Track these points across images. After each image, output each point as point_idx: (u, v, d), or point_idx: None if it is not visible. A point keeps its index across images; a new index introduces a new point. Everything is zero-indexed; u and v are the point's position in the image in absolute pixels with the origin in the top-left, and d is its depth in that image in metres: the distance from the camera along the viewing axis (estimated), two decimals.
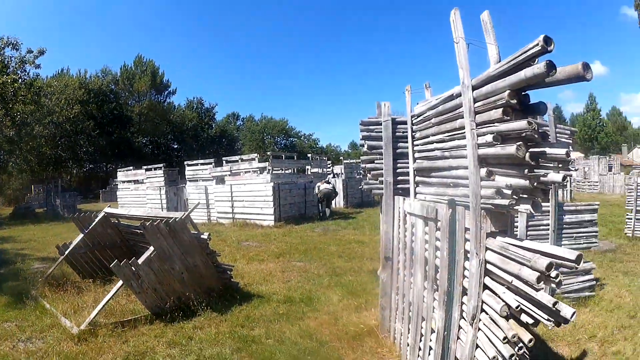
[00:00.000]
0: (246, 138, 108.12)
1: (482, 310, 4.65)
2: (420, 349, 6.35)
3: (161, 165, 36.00)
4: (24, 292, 10.97)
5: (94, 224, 12.33)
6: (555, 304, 3.70)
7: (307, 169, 36.68)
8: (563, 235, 10.79)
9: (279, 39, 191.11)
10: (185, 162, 34.05)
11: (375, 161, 8.01)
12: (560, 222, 10.72)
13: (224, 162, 30.81)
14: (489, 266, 4.57)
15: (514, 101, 4.03)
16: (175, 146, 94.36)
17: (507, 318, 4.24)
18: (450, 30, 4.99)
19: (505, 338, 4.10)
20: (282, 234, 22.70)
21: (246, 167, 29.16)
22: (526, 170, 4.04)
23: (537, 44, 3.55)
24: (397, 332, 7.60)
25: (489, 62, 4.44)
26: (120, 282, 8.93)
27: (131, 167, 40.41)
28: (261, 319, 9.22)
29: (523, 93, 4.10)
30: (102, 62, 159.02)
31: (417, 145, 7.08)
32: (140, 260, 9.07)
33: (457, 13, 4.91)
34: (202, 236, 10.11)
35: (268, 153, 31.19)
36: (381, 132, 7.81)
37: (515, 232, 6.73)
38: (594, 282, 10.45)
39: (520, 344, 4.05)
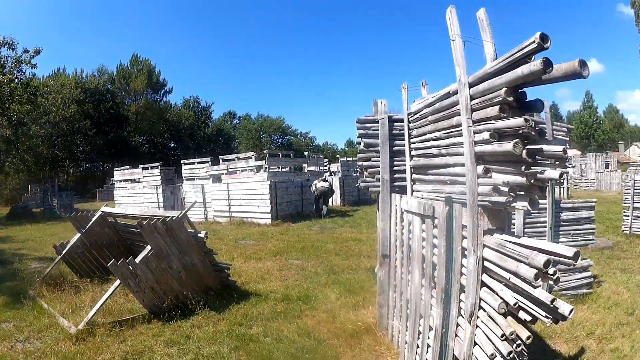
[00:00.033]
0: (243, 136, 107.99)
1: (480, 307, 4.65)
2: (418, 347, 6.35)
3: (158, 164, 35.94)
4: (22, 292, 10.97)
5: (91, 223, 12.31)
6: (553, 301, 3.70)
7: (304, 167, 36.64)
8: (560, 232, 10.79)
9: (275, 37, 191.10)
10: (182, 161, 33.93)
11: (372, 159, 8.01)
12: (557, 220, 10.72)
13: (220, 160, 30.74)
14: (486, 263, 4.57)
15: (511, 98, 4.03)
16: (172, 145, 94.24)
17: (505, 315, 4.24)
18: (446, 28, 4.99)
19: (503, 335, 4.10)
20: (279, 232, 22.70)
21: (243, 165, 29.09)
22: (523, 168, 4.04)
23: (534, 41, 3.55)
24: (394, 330, 7.61)
25: (485, 59, 4.44)
26: (118, 282, 8.92)
27: (128, 166, 40.36)
28: (259, 317, 9.22)
29: (520, 90, 4.10)
30: (99, 62, 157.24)
31: (414, 142, 7.09)
32: (137, 260, 9.06)
33: (453, 10, 4.91)
34: (199, 235, 10.12)
35: (265, 151, 31.19)
36: (378, 130, 7.81)
37: (512, 230, 6.75)
38: (592, 280, 10.46)
39: (519, 341, 4.05)
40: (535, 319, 4.00)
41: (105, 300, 8.91)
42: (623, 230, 19.23)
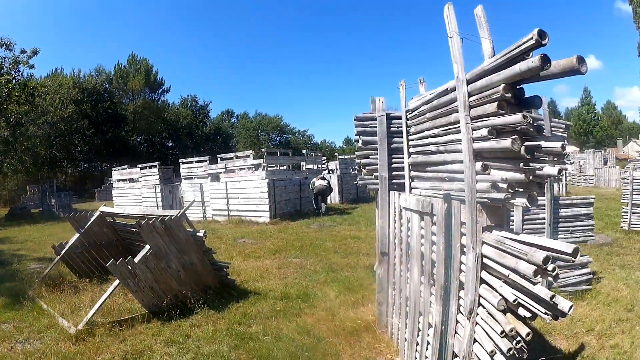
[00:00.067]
0: (241, 135, 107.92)
1: (480, 304, 4.65)
2: (417, 344, 6.35)
3: (156, 163, 35.96)
4: (21, 292, 10.95)
5: (89, 223, 12.30)
6: (552, 297, 3.70)
7: (302, 165, 36.61)
8: (559, 229, 10.80)
9: (273, 36, 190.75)
10: (180, 160, 33.97)
11: (370, 156, 8.00)
12: (556, 216, 10.73)
13: (218, 159, 30.73)
14: (485, 260, 4.57)
15: (509, 95, 4.02)
16: (170, 144, 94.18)
17: (504, 312, 4.24)
18: (444, 25, 4.98)
19: (502, 332, 4.10)
20: (278, 231, 22.72)
21: (241, 164, 29.11)
22: (522, 164, 4.03)
23: (532, 38, 3.54)
24: (394, 327, 7.62)
25: (483, 56, 4.44)
26: (117, 281, 8.92)
27: (126, 166, 40.43)
28: (258, 316, 9.23)
29: (518, 87, 4.09)
30: (96, 61, 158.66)
31: (412, 140, 7.09)
32: (136, 259, 9.06)
33: (450, 7, 4.91)
34: (197, 234, 10.12)
35: (263, 150, 31.24)
36: (376, 127, 7.80)
37: (511, 226, 6.74)
38: (591, 276, 10.47)
39: (518, 338, 4.05)
40: (534, 316, 4.00)
41: (104, 300, 8.91)
42: (622, 227, 19.24)
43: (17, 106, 35.02)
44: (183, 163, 33.42)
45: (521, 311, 4.08)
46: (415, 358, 6.41)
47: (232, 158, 30.26)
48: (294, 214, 28.77)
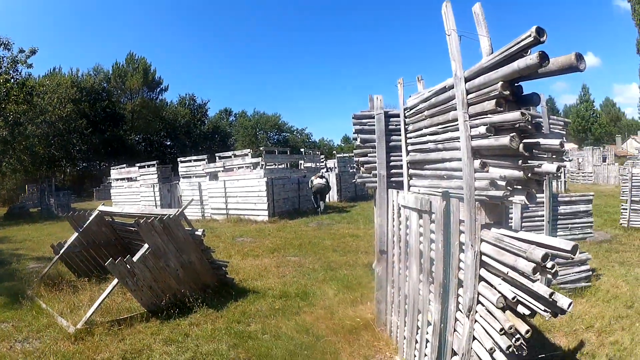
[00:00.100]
0: (239, 134, 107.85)
1: (478, 302, 4.65)
2: (417, 342, 6.35)
3: (154, 162, 35.95)
4: (20, 292, 10.95)
5: (88, 222, 12.30)
6: (551, 294, 3.70)
7: (300, 163, 36.60)
8: (558, 226, 10.80)
9: (270, 35, 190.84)
10: (179, 159, 33.94)
11: (369, 155, 8.01)
12: (555, 213, 10.73)
13: (217, 158, 30.69)
14: (484, 258, 4.56)
15: (507, 92, 4.02)
16: (168, 143, 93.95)
17: (503, 309, 4.24)
18: (442, 23, 4.98)
19: (502, 329, 4.10)
20: (277, 229, 22.71)
21: (239, 162, 29.12)
22: (520, 162, 4.03)
23: (530, 35, 3.54)
24: (393, 325, 7.62)
25: (481, 54, 4.44)
26: (116, 281, 8.92)
27: (124, 165, 40.51)
28: (257, 315, 9.23)
29: (516, 84, 4.09)
30: (94, 60, 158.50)
31: (410, 138, 7.08)
32: (135, 258, 9.06)
33: (448, 5, 4.90)
34: (196, 232, 10.12)
35: (261, 148, 31.24)
36: (374, 125, 7.80)
37: (510, 224, 6.74)
38: (590, 273, 10.48)
39: (517, 335, 4.05)
40: (534, 313, 4.00)
41: (103, 300, 8.90)
42: (621, 224, 19.27)
43: (15, 105, 34.98)
44: (181, 162, 33.41)
45: (520, 309, 4.08)
46: (415, 356, 6.41)
47: (230, 157, 30.26)
48: (293, 213, 28.76)
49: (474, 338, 4.69)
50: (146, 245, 9.29)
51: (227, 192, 28.92)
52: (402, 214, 6.95)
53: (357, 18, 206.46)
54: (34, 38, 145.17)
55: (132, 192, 37.38)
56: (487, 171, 4.41)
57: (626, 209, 19.17)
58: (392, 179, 7.75)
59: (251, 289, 10.96)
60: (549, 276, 3.80)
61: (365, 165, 8.11)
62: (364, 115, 7.99)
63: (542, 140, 3.98)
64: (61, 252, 12.16)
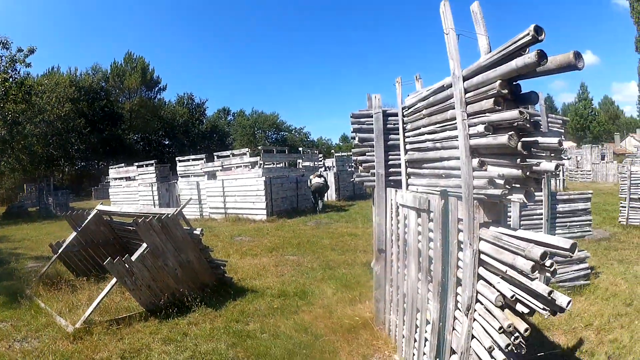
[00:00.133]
0: (237, 133, 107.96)
1: (477, 300, 4.65)
2: (415, 341, 6.36)
3: (153, 161, 35.99)
4: (19, 291, 10.94)
5: (86, 221, 12.30)
6: (550, 293, 3.70)
7: (299, 162, 36.61)
8: (556, 224, 10.81)
9: (268, 34, 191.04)
10: (177, 158, 34.02)
11: (367, 153, 8.01)
12: (553, 211, 10.74)
13: (215, 157, 30.75)
14: (482, 256, 4.56)
15: (505, 91, 4.02)
16: (167, 142, 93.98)
17: (502, 308, 4.24)
18: (440, 22, 4.98)
19: (500, 328, 4.10)
20: (275, 228, 22.72)
21: (237, 162, 29.15)
22: (518, 160, 4.02)
23: (528, 34, 3.53)
24: (392, 324, 7.62)
25: (479, 53, 4.43)
26: (114, 280, 8.92)
27: (123, 164, 40.53)
28: (256, 314, 9.23)
29: (514, 83, 4.08)
30: (92, 60, 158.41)
31: (409, 137, 7.08)
32: (133, 257, 9.06)
33: (446, 4, 4.90)
34: (194, 232, 10.12)
35: (259, 147, 31.30)
36: (372, 124, 7.80)
37: (508, 222, 6.75)
38: (589, 271, 10.49)
39: (516, 334, 4.05)
40: (532, 311, 4.00)
41: (102, 299, 8.90)
42: (620, 222, 19.32)
43: (14, 105, 34.93)
44: (180, 161, 33.45)
45: (519, 307, 4.08)
46: (413, 355, 6.41)
47: (228, 156, 30.29)
48: (291, 212, 28.78)
49: (473, 337, 4.69)
50: (144, 245, 9.29)
51: (226, 191, 28.94)
52: (401, 212, 6.95)
53: (355, 17, 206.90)
54: (33, 37, 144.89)
55: (130, 191, 37.37)
56: (486, 170, 4.40)
57: (625, 207, 19.22)
58: (391, 177, 7.75)
59: (250, 288, 10.96)
60: (548, 274, 3.79)
61: (363, 164, 8.11)
62: (362, 114, 7.99)
63: (540, 139, 3.98)
64: (60, 251, 12.16)
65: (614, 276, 10.95)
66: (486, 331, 4.40)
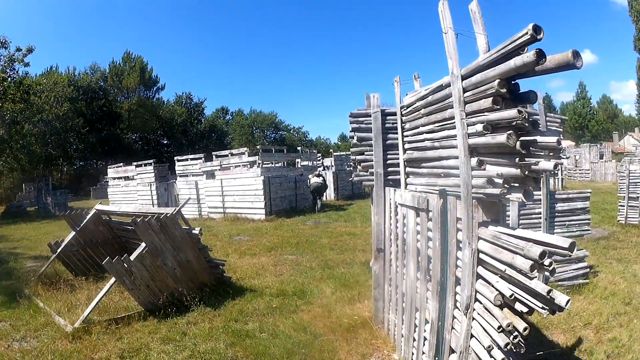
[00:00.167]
0: (235, 132, 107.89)
1: (476, 299, 4.65)
2: (414, 340, 6.36)
3: (151, 161, 36.07)
4: (18, 291, 10.95)
5: (85, 221, 12.29)
6: (549, 292, 3.70)
7: (297, 162, 36.66)
8: (555, 223, 10.82)
9: (266, 33, 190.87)
10: (175, 158, 33.99)
11: (365, 153, 8.00)
12: (552, 210, 10.75)
13: (213, 156, 30.79)
14: (481, 255, 4.56)
15: (504, 90, 4.02)
16: (165, 142, 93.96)
17: (501, 307, 4.24)
18: (439, 21, 4.98)
19: (500, 327, 4.10)
20: (274, 228, 22.73)
21: (236, 161, 29.18)
22: (517, 159, 4.02)
23: (527, 33, 3.53)
24: (390, 324, 7.62)
25: (478, 52, 4.43)
26: (113, 279, 8.92)
27: (121, 164, 40.50)
28: (254, 313, 9.23)
29: (513, 82, 4.09)
30: (91, 59, 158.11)
31: (407, 136, 7.07)
32: (132, 257, 9.06)
33: (445, 3, 4.90)
34: (193, 231, 10.12)
35: (258, 147, 31.25)
36: (371, 123, 7.80)
37: (507, 221, 6.75)
38: (588, 270, 10.50)
39: (515, 333, 4.05)
40: (531, 311, 4.00)
41: (100, 298, 8.91)
42: (619, 220, 19.32)
43: (12, 104, 34.93)
44: (178, 161, 33.43)
45: (518, 306, 4.08)
46: (412, 354, 6.42)
47: (227, 155, 30.33)
48: (290, 211, 28.81)
49: (472, 336, 4.69)
50: (143, 244, 9.29)
51: (224, 190, 28.95)
52: (400, 212, 6.96)
53: (354, 17, 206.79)
54: (31, 36, 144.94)
55: (129, 190, 37.39)
56: (484, 169, 4.40)
57: (623, 206, 19.23)
58: (389, 177, 7.75)
59: (248, 288, 10.96)
60: (547, 273, 3.80)
61: (362, 164, 8.11)
62: (360, 114, 7.99)
63: (539, 138, 3.97)
64: (58, 251, 12.16)
65: (612, 275, 10.96)
66: (485, 330, 4.40)
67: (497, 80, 4.00)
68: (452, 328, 5.18)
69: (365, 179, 8.14)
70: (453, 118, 4.90)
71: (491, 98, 4.12)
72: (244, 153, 29.16)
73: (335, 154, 45.48)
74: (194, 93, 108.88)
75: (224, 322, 8.72)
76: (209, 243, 12.88)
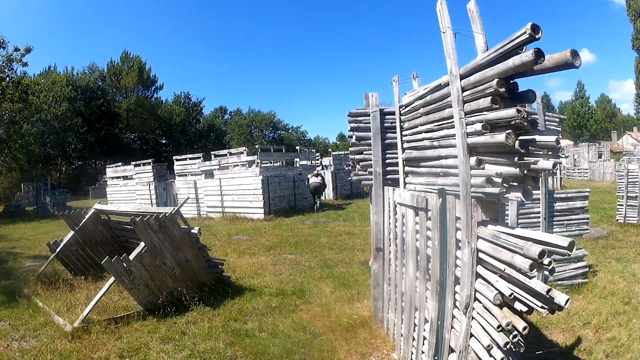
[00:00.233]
0: (234, 132, 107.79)
1: (476, 299, 4.65)
2: (414, 339, 6.36)
3: (150, 160, 36.07)
4: (17, 290, 10.96)
5: (84, 221, 12.29)
6: (549, 291, 3.70)
7: (296, 161, 36.70)
8: (554, 222, 10.82)
9: (265, 33, 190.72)
10: (174, 157, 34.02)
11: (364, 152, 8.00)
12: (551, 210, 10.75)
13: (212, 156, 30.80)
14: (481, 255, 4.57)
15: (503, 89, 4.02)
16: (164, 141, 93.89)
17: (500, 306, 4.24)
18: (437, 21, 4.98)
19: (499, 326, 4.10)
20: (272, 227, 22.74)
21: (235, 160, 29.19)
22: (516, 158, 4.03)
23: (525, 32, 3.54)
24: (390, 323, 7.62)
25: (476, 51, 4.44)
26: (112, 279, 8.92)
27: (120, 163, 40.53)
28: (254, 313, 9.23)
29: (511, 81, 4.09)
30: (89, 59, 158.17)
31: (406, 135, 7.08)
32: (131, 256, 9.06)
33: (443, 3, 4.91)
34: (192, 231, 10.13)
35: (256, 146, 31.26)
36: (369, 123, 7.80)
37: (506, 221, 6.75)
38: (587, 269, 10.50)
39: (515, 332, 4.05)
40: (531, 310, 4.00)
41: (100, 298, 8.91)
42: (617, 220, 19.34)
43: (10, 104, 34.92)
44: (177, 160, 33.44)
45: (517, 305, 4.09)
46: (412, 353, 6.42)
47: (225, 155, 30.37)
48: (289, 210, 28.84)
49: (472, 335, 4.69)
50: (142, 244, 9.29)
51: (223, 190, 28.93)
52: (398, 211, 6.96)
53: (353, 17, 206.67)
54: (29, 36, 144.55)
55: (127, 190, 37.40)
56: (483, 168, 4.41)
57: (622, 205, 19.24)
58: (388, 176, 7.75)
59: (248, 287, 10.96)
60: (546, 273, 3.80)
61: (361, 163, 8.11)
62: (359, 113, 7.99)
63: (538, 137, 3.98)
64: (57, 250, 12.16)
65: (611, 274, 10.97)
66: (485, 330, 4.40)
67: (496, 80, 4.00)
68: (452, 327, 5.19)
69: (364, 178, 8.14)
70: (452, 117, 4.91)
71: (490, 97, 4.12)
72: (242, 152, 29.16)
73: (333, 153, 45.53)
74: (192, 93, 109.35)
75: (223, 322, 8.72)
76: (208, 242, 12.86)
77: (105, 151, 79.16)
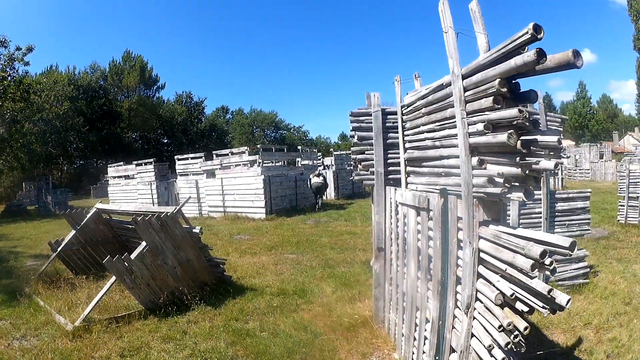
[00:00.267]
0: (236, 131, 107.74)
1: (477, 299, 4.65)
2: (415, 339, 6.36)
3: (151, 160, 36.07)
4: (18, 289, 10.96)
5: (85, 220, 12.30)
6: (550, 291, 3.70)
7: (298, 161, 36.70)
8: (555, 222, 10.81)
9: (266, 32, 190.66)
10: (176, 157, 34.05)
11: (366, 152, 8.00)
12: (552, 210, 10.75)
13: (214, 155, 30.82)
14: (482, 255, 4.57)
15: (505, 89, 4.02)
16: (165, 141, 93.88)
17: (502, 306, 4.24)
18: (439, 21, 4.98)
19: (500, 326, 4.10)
20: (274, 227, 22.74)
21: (236, 160, 29.20)
22: (518, 158, 4.03)
23: (527, 32, 3.54)
24: (391, 323, 7.62)
25: (478, 51, 4.44)
26: (114, 278, 8.92)
27: (121, 163, 40.46)
28: (255, 312, 9.23)
29: (513, 81, 4.09)
30: (91, 58, 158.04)
31: (408, 135, 7.07)
32: (132, 256, 9.06)
33: (445, 3, 4.90)
34: (194, 230, 10.12)
35: (258, 146, 31.25)
36: (371, 122, 7.80)
37: (507, 221, 6.75)
38: (588, 270, 10.50)
39: (516, 332, 4.05)
40: (532, 310, 4.00)
41: (101, 297, 8.91)
42: (619, 220, 19.32)
43: (12, 103, 34.92)
44: (178, 160, 33.44)
45: (519, 305, 4.09)
46: (413, 353, 6.42)
47: (227, 154, 30.39)
48: (290, 210, 28.85)
49: (473, 335, 4.69)
50: (144, 243, 9.29)
51: (225, 189, 28.94)
52: (400, 211, 6.96)
53: (354, 16, 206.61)
54: (31, 36, 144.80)
55: (129, 189, 37.36)
56: (485, 168, 4.40)
57: (623, 206, 19.22)
58: (390, 176, 7.75)
59: (249, 287, 10.96)
60: (547, 273, 3.80)
61: (362, 163, 8.11)
62: (361, 113, 7.99)
63: (539, 137, 3.98)
64: (59, 249, 12.18)
65: (612, 275, 10.96)
66: (486, 330, 4.40)
67: (498, 80, 4.00)
68: (453, 327, 5.18)
69: (366, 178, 8.14)
70: (454, 117, 4.90)
71: (492, 97, 4.12)
72: (244, 152, 29.18)
73: (335, 153, 45.52)
74: (194, 92, 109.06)
75: (224, 321, 8.72)
76: (210, 242, 12.87)
77: (106, 150, 79.20)
